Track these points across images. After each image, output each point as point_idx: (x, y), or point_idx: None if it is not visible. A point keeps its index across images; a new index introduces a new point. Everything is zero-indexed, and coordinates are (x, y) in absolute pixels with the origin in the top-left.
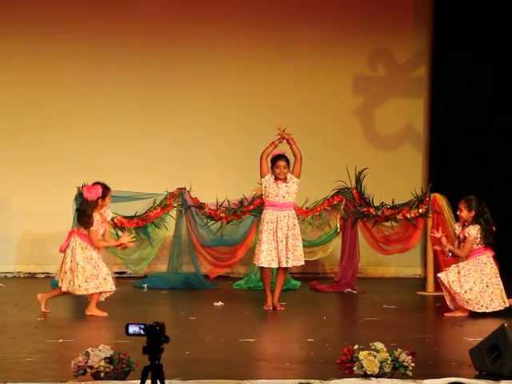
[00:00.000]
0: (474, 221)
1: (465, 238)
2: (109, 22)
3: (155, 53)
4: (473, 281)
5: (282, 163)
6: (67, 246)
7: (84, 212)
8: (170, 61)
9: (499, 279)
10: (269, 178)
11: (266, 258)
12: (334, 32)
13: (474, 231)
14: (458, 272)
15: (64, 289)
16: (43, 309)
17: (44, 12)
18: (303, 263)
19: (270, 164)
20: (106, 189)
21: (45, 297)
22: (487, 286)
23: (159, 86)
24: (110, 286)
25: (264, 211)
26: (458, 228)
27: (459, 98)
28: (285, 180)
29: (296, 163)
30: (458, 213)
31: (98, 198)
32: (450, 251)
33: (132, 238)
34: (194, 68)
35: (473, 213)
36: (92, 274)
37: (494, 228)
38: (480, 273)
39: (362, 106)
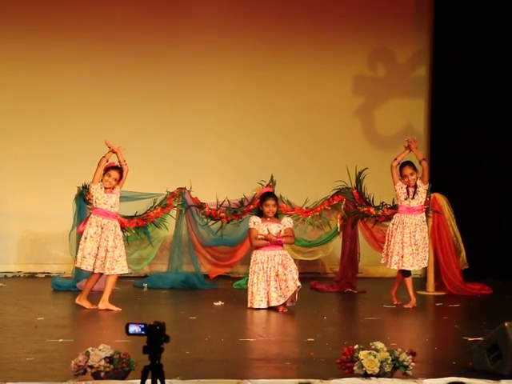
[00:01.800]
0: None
1: (415, 186)
2: (109, 21)
3: (155, 52)
4: None
5: (271, 202)
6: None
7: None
8: (170, 61)
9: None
10: (255, 219)
11: (257, 300)
12: (334, 32)
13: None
14: None
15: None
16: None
17: (44, 12)
18: (299, 285)
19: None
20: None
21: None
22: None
23: (160, 86)
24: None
25: (254, 251)
26: (403, 186)
27: (459, 97)
28: (274, 219)
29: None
30: (410, 176)
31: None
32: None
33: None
34: (195, 68)
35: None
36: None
37: None
38: None
39: (362, 106)
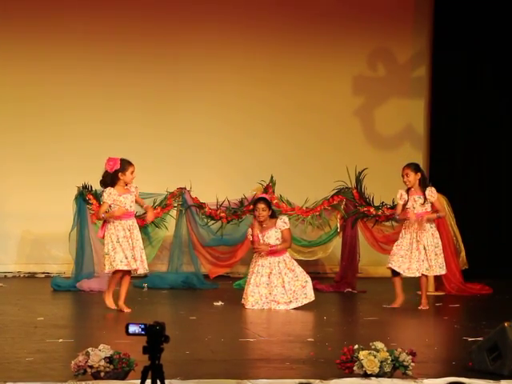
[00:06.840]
0: (423, 182)
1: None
2: (109, 22)
3: (155, 53)
4: None
5: (260, 205)
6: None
7: (101, 182)
8: (170, 61)
9: None
10: (252, 226)
11: (257, 301)
12: (334, 32)
13: (435, 191)
14: None
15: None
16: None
17: (44, 12)
18: (313, 298)
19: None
20: (126, 163)
21: (109, 297)
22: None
23: (159, 86)
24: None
25: (255, 254)
26: (404, 194)
27: (459, 98)
28: (270, 221)
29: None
30: (404, 179)
31: (117, 172)
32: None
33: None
34: (194, 68)
35: (419, 175)
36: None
37: None
38: None
39: (362, 106)
